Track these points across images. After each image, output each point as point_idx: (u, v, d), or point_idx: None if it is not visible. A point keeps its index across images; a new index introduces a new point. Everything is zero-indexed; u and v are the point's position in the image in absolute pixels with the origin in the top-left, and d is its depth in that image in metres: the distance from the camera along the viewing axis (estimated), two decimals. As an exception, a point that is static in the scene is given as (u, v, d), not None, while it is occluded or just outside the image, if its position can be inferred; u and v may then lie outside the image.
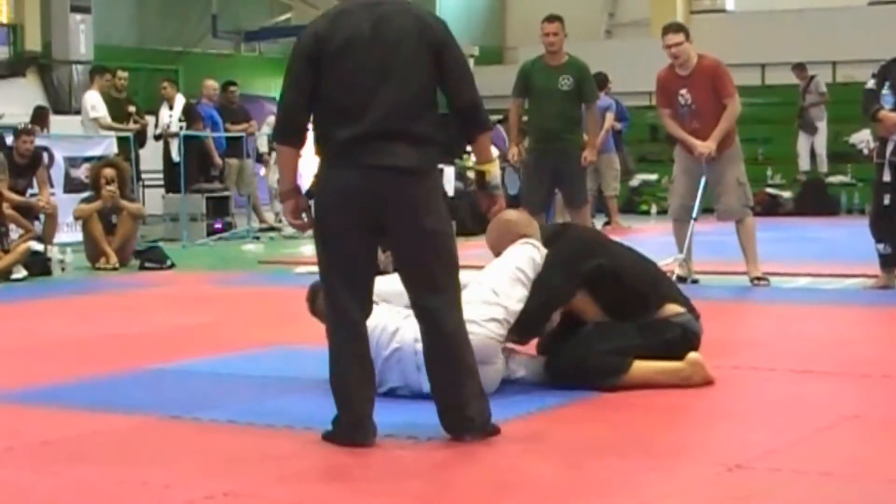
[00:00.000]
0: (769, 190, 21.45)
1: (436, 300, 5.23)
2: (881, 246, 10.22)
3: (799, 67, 22.18)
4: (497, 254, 6.40)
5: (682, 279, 10.70)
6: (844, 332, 8.69)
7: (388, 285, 6.05)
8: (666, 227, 16.27)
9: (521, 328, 6.21)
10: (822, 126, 22.00)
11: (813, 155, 22.10)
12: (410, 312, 5.95)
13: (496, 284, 6.17)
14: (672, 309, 6.45)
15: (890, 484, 4.58)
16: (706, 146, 10.47)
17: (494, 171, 5.57)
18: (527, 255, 6.28)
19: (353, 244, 5.21)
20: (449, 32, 5.33)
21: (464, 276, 5.84)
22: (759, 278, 10.66)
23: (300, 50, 5.24)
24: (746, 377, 6.54)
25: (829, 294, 10.46)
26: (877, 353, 7.38)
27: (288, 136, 5.31)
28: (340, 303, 5.25)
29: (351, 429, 5.19)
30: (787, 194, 21.59)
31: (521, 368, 6.40)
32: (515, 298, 6.13)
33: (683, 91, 10.65)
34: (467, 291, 6.07)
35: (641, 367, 6.26)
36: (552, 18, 11.88)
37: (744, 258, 10.74)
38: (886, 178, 10.04)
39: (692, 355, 6.30)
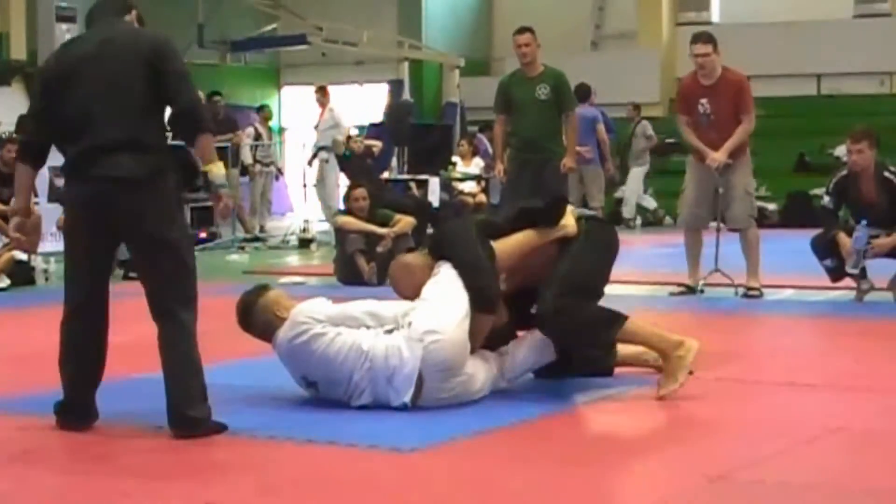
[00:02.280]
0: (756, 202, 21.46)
1: (169, 300, 5.60)
2: (828, 261, 10.39)
3: (633, 105, 22.33)
4: (403, 295, 6.38)
5: (691, 289, 10.77)
6: (828, 345, 8.71)
7: (334, 309, 6.16)
8: (650, 238, 16.32)
9: (478, 298, 6.18)
10: (637, 172, 21.70)
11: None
12: (380, 330, 5.98)
13: (444, 293, 6.18)
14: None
15: (873, 496, 4.58)
16: (715, 158, 10.52)
17: (216, 171, 5.76)
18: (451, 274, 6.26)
19: (91, 249, 5.64)
20: (168, 45, 5.66)
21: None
22: (752, 289, 10.69)
23: (38, 78, 5.78)
24: (730, 389, 6.54)
25: (814, 306, 10.48)
26: (860, 366, 7.38)
27: (25, 157, 5.82)
28: (78, 298, 5.70)
29: (65, 412, 5.69)
30: (772, 206, 21.60)
31: (518, 357, 6.44)
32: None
33: (704, 101, 10.69)
34: (415, 311, 6.07)
35: (639, 324, 6.38)
36: (522, 30, 11.91)
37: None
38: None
39: (692, 341, 6.32)
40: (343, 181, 18.16)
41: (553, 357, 6.52)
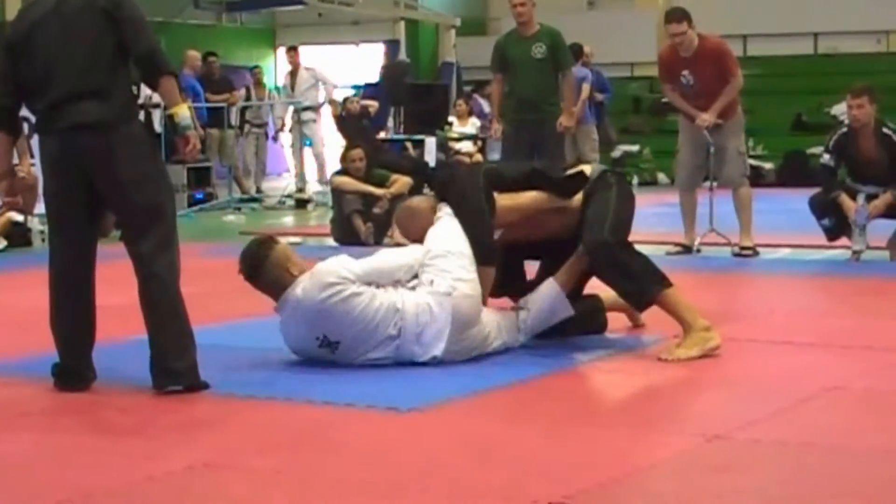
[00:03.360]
0: (751, 161, 21.42)
1: (144, 245, 5.61)
2: (826, 221, 10.44)
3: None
4: (411, 239, 6.45)
5: (687, 248, 10.82)
6: (825, 303, 8.72)
7: (361, 266, 6.13)
8: (647, 198, 16.33)
9: (480, 252, 6.29)
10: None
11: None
12: (406, 288, 6.03)
13: (451, 245, 6.26)
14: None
15: (871, 454, 4.59)
16: (704, 119, 10.55)
17: (181, 112, 5.81)
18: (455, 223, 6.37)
19: (69, 204, 5.68)
20: None
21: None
22: (746, 248, 10.73)
23: (1, 43, 5.76)
24: (727, 348, 6.53)
25: (811, 265, 10.49)
26: (858, 324, 7.40)
27: None
28: (61, 259, 5.76)
29: (62, 375, 5.73)
30: (768, 165, 21.59)
31: (528, 309, 6.54)
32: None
33: (686, 72, 10.71)
34: (436, 264, 6.11)
35: (680, 295, 6.42)
36: None
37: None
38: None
39: (717, 334, 6.37)
40: (336, 141, 18.12)
41: (569, 312, 6.55)
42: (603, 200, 6.50)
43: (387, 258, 6.28)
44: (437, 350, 6.06)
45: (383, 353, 6.08)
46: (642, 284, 6.42)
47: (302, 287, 6.05)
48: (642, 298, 6.48)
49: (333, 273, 6.04)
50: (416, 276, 6.21)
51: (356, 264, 6.16)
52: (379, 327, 6.04)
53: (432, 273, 6.14)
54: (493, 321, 6.36)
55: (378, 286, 6.11)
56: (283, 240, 12.73)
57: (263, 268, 6.13)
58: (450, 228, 6.31)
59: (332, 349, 6.11)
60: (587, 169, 6.74)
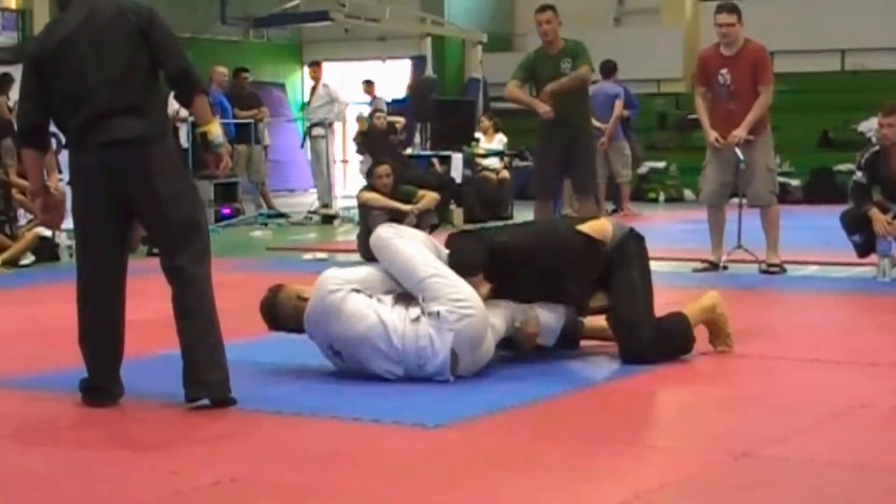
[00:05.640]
0: (778, 178, 21.37)
1: (182, 257, 5.65)
2: (856, 237, 10.48)
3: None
4: None
5: (714, 265, 10.80)
6: (853, 321, 8.69)
7: (355, 273, 6.23)
8: (673, 214, 16.31)
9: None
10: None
11: None
12: (406, 315, 6.03)
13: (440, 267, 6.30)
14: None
15: (897, 473, 4.58)
16: (735, 135, 10.53)
17: (214, 130, 5.92)
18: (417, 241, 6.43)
19: (100, 220, 5.68)
20: (152, 12, 5.74)
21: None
22: (773, 265, 10.71)
23: (27, 60, 5.76)
24: (754, 365, 6.53)
25: (838, 282, 10.45)
26: (885, 342, 7.37)
27: (29, 141, 5.82)
28: (90, 275, 5.75)
29: (90, 390, 5.73)
30: (795, 182, 21.53)
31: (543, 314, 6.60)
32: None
33: (724, 71, 10.69)
34: (437, 286, 6.13)
35: (690, 312, 6.71)
36: (544, 8, 11.82)
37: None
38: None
39: (711, 295, 6.83)
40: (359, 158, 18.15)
41: (552, 343, 6.72)
42: (630, 286, 6.64)
43: (377, 268, 6.40)
44: (445, 375, 6.10)
45: (389, 365, 6.11)
46: (685, 344, 6.71)
47: (311, 298, 6.23)
48: (575, 327, 6.84)
49: (332, 277, 6.24)
50: (411, 298, 6.20)
51: (347, 271, 6.34)
52: (371, 334, 6.05)
53: (436, 301, 6.10)
54: (497, 317, 6.37)
55: (371, 295, 6.18)
56: (309, 255, 12.87)
57: (278, 307, 6.40)
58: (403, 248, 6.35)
59: (341, 358, 6.23)
60: (608, 227, 6.76)
